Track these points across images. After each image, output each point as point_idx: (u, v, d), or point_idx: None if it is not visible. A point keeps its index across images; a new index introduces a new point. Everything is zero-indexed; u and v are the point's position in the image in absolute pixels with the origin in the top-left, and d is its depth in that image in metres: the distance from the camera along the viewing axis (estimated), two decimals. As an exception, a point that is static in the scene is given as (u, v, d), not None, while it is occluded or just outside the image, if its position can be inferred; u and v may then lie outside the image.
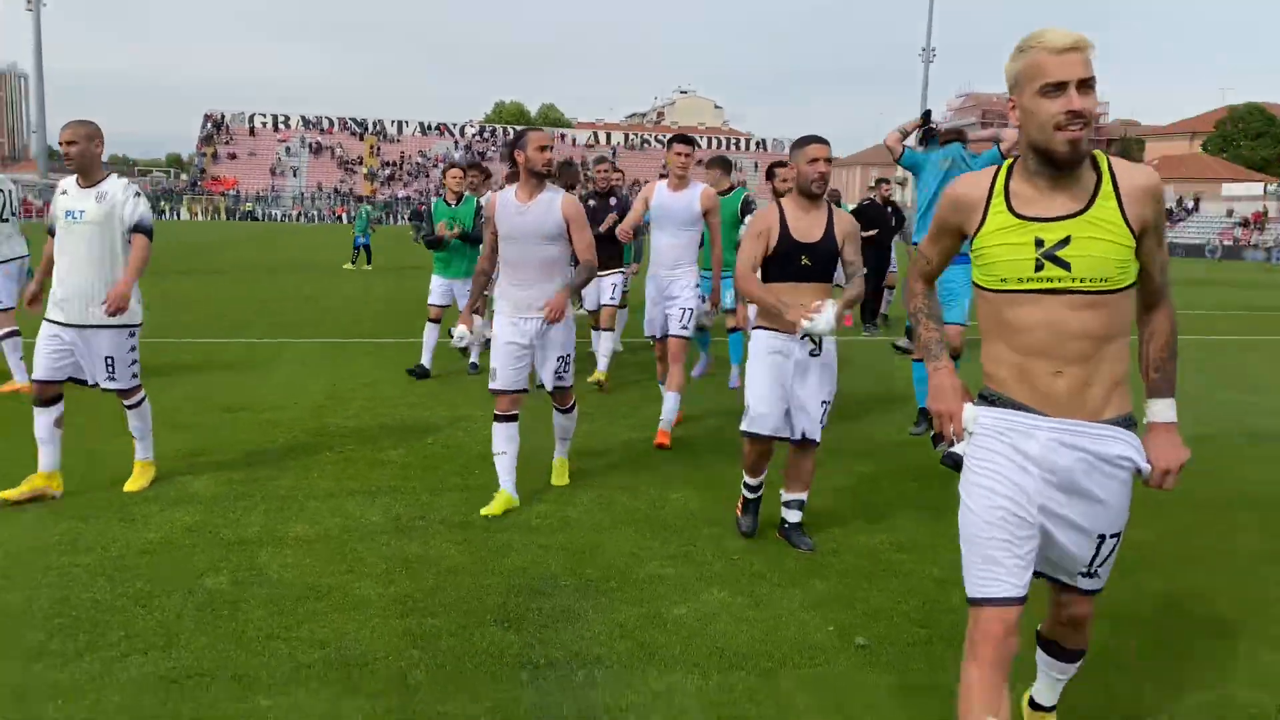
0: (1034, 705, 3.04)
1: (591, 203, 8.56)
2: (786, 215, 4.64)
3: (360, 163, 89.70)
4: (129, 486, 5.47)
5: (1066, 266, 2.34)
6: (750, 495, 5.01)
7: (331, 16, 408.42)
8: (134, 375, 5.38)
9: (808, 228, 4.62)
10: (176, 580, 4.25)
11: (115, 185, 5.22)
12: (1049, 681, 2.95)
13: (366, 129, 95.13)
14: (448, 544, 4.75)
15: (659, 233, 6.75)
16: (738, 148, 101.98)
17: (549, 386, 5.48)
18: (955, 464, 6.03)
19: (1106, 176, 2.39)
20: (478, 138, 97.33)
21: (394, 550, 4.68)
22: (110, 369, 5.22)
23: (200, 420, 7.21)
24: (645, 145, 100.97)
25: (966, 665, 2.37)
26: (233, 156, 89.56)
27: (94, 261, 5.11)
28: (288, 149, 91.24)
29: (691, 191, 6.61)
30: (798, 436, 4.70)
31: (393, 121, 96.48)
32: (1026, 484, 2.41)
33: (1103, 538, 2.51)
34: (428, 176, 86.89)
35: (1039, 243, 2.36)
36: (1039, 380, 2.43)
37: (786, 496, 4.91)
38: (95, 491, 5.43)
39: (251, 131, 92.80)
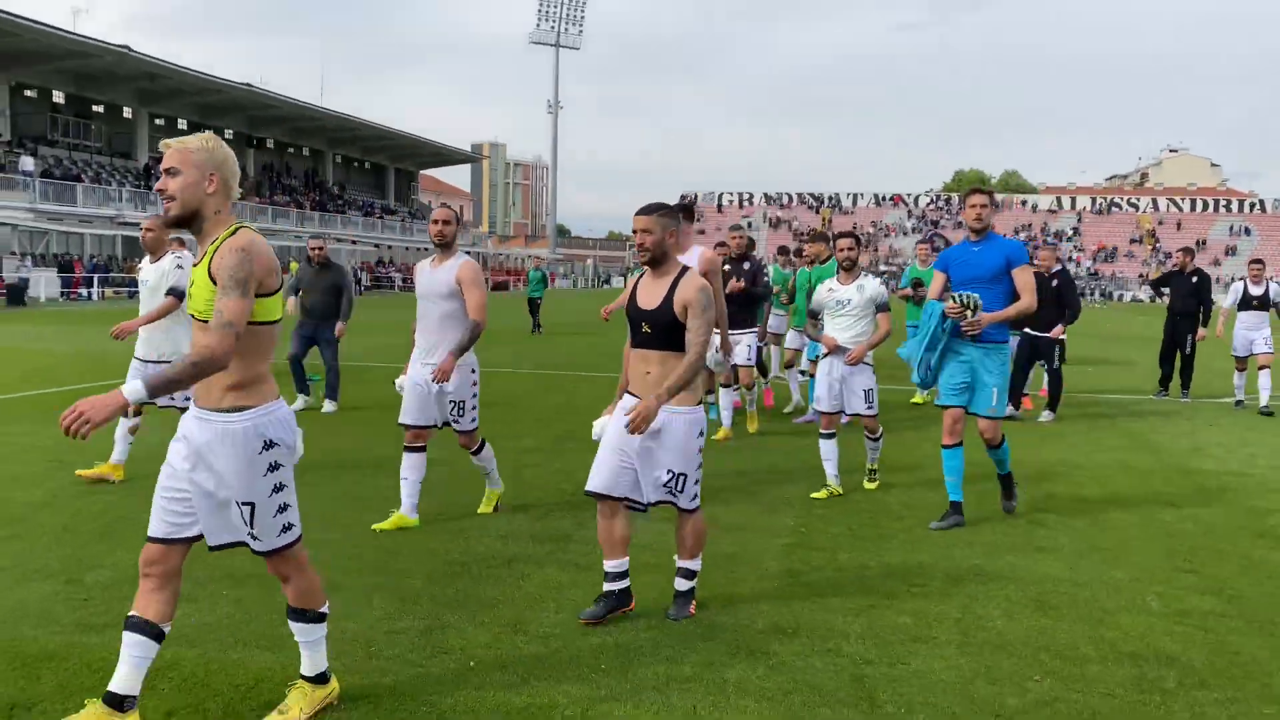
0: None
1: (727, 266, 9.33)
2: (640, 282, 4.51)
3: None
4: None
5: (188, 298, 3.21)
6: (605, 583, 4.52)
7: (802, 94, 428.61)
8: None
9: (651, 295, 4.42)
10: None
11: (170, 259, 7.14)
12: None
13: (823, 202, 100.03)
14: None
15: None
16: (1228, 209, 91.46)
17: (456, 428, 6.06)
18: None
19: (214, 247, 3.12)
20: (931, 206, 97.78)
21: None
22: None
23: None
24: (1113, 210, 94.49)
25: None
26: (701, 232, 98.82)
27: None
28: (749, 223, 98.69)
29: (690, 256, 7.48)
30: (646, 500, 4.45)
31: (848, 194, 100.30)
32: (176, 463, 3.23)
33: (236, 503, 3.18)
34: (876, 248, 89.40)
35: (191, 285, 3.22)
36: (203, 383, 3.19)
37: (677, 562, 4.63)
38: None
39: (719, 208, 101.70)
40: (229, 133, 62.88)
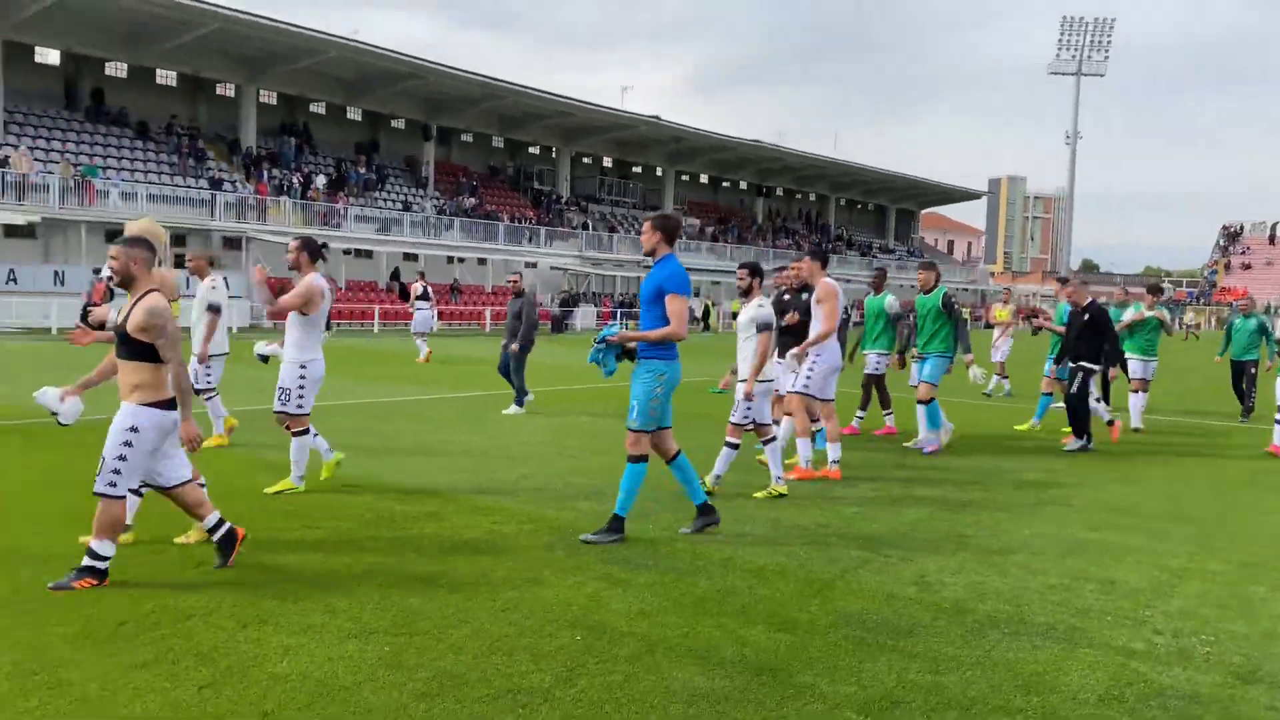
0: None
1: (786, 297, 9.72)
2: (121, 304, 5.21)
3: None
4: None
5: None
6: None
7: None
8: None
9: (122, 312, 5.18)
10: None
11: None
12: None
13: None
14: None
15: None
16: None
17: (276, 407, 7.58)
18: None
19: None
20: None
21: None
22: None
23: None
24: None
25: None
26: (1246, 267, 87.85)
27: None
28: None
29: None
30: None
31: None
32: None
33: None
34: None
35: None
36: None
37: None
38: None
39: (1271, 239, 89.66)
40: (742, 184, 70.66)
